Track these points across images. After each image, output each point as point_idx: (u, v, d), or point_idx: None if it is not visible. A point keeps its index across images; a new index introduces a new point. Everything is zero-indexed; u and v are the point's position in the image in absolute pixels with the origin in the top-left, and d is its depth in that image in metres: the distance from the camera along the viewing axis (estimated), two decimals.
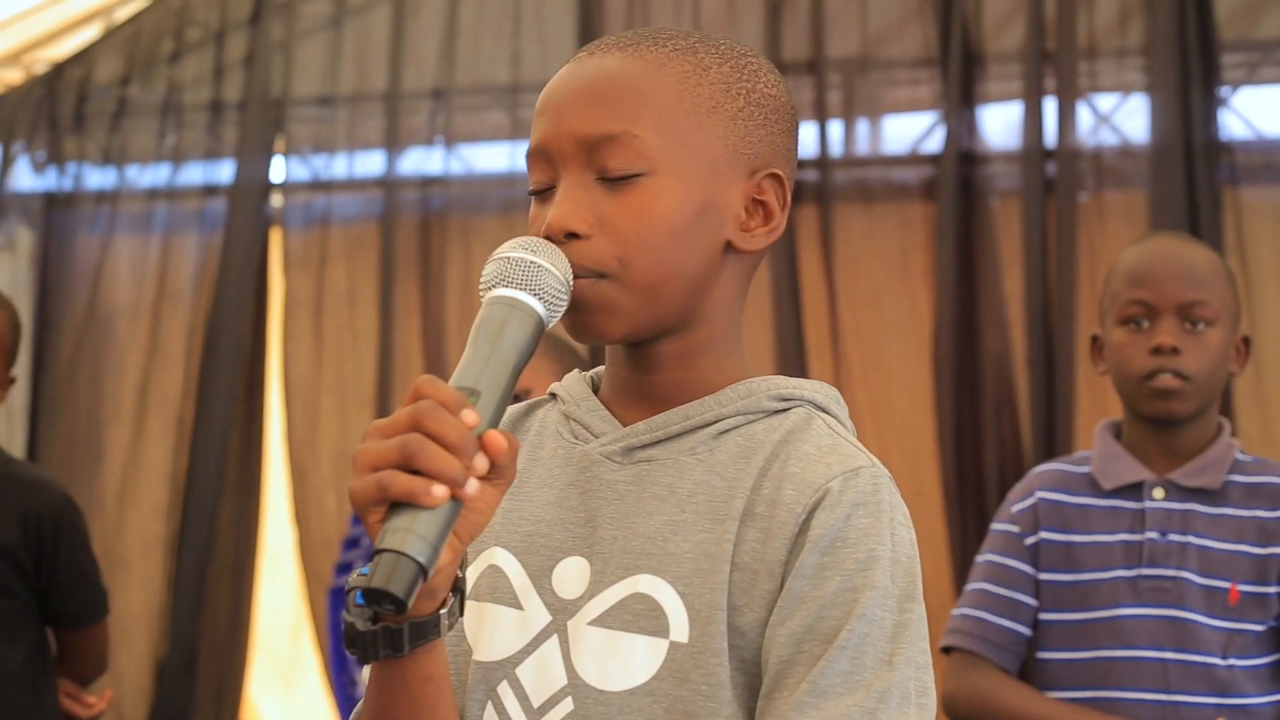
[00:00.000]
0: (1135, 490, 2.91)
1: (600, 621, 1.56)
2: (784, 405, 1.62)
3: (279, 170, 6.21)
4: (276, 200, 6.21)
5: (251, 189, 6.12)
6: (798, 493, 1.54)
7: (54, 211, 6.35)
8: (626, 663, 1.53)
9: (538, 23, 5.88)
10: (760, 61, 1.67)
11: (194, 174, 6.23)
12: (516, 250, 1.51)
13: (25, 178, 6.45)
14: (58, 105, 6.32)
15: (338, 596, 5.73)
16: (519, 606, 1.60)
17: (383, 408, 5.85)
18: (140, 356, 6.18)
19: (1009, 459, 5.25)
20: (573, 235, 1.55)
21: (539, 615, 1.59)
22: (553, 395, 1.74)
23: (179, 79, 6.25)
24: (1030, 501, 2.97)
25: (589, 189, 1.57)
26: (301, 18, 6.14)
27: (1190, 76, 5.13)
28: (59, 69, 6.36)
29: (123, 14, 6.35)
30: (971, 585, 3.01)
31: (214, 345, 6.03)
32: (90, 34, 6.43)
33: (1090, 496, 2.94)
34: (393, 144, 6.01)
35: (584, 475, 1.62)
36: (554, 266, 1.51)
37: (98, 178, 6.38)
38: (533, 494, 1.65)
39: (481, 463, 1.39)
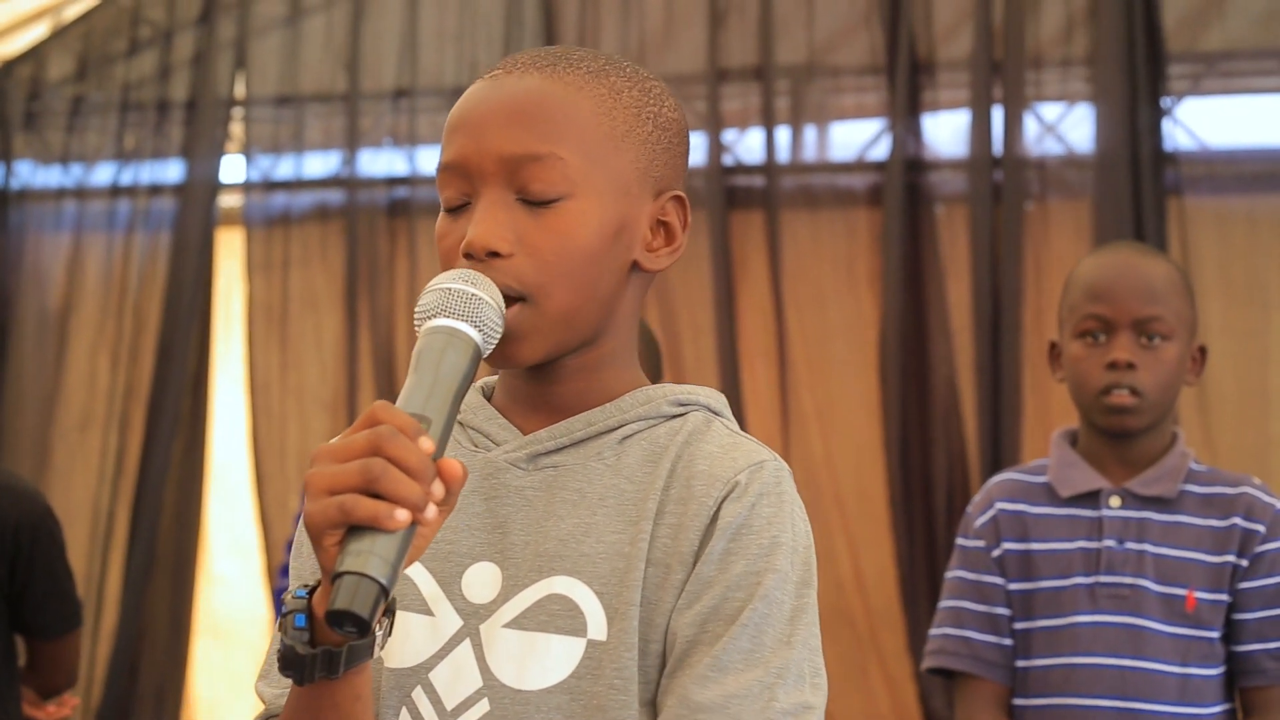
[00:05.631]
0: (1092, 498, 2.94)
1: (516, 624, 1.58)
2: (681, 410, 1.68)
3: (231, 170, 6.22)
4: (226, 200, 6.21)
5: (201, 189, 6.12)
6: (708, 486, 1.59)
7: (3, 210, 6.33)
8: (544, 662, 1.56)
9: (489, 25, 5.89)
10: (662, 85, 1.71)
11: (145, 173, 6.22)
12: (456, 282, 1.52)
13: None
14: (7, 103, 6.30)
15: (280, 597, 5.71)
16: (429, 613, 1.62)
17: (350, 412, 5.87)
18: (90, 356, 6.17)
19: (955, 464, 5.28)
20: (494, 254, 1.57)
21: (450, 620, 1.61)
22: None
23: (130, 78, 6.23)
24: (991, 513, 2.98)
25: (510, 208, 1.59)
26: (254, 16, 6.14)
27: (1136, 87, 5.18)
28: (8, 66, 6.34)
29: (72, 12, 6.33)
30: (948, 603, 3.01)
31: (165, 345, 6.03)
32: (39, 32, 6.41)
33: (1048, 505, 2.96)
34: (348, 145, 6.02)
35: (489, 482, 1.65)
36: (491, 299, 1.53)
37: (48, 176, 6.36)
38: None
39: (439, 489, 1.40)
